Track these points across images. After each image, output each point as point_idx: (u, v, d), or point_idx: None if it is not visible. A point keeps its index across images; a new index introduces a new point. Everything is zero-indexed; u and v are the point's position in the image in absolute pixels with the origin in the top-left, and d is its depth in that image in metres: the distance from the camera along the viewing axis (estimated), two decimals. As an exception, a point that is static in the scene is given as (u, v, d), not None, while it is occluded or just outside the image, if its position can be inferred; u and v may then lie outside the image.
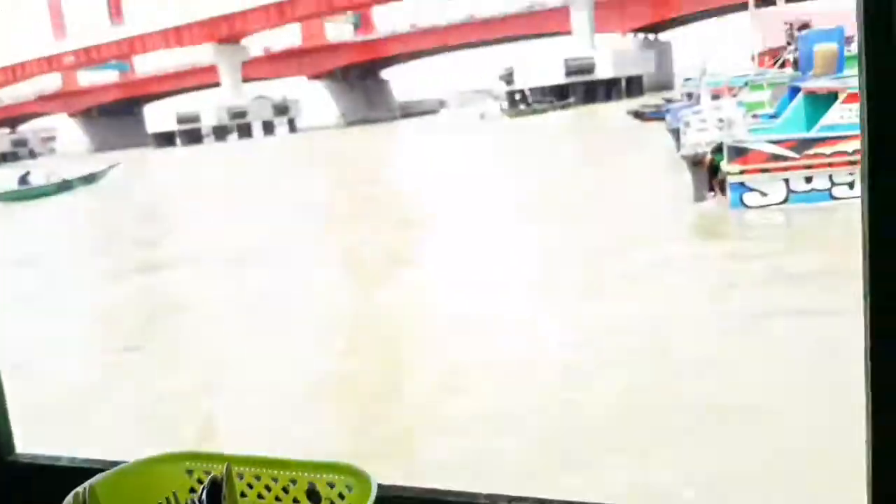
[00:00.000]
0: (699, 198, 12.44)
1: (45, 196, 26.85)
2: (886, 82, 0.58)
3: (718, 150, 12.02)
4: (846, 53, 15.46)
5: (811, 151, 11.36)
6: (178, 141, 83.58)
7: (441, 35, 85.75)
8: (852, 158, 10.97)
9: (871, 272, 0.60)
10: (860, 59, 0.60)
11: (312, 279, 10.86)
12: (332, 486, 0.85)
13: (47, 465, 1.10)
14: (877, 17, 0.57)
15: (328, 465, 0.86)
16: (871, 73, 0.58)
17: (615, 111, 40.55)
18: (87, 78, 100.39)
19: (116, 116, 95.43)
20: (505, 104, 73.17)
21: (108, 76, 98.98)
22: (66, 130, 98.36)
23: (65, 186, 27.89)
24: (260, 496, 0.89)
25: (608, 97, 69.12)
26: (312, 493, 0.86)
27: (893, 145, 0.59)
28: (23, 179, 27.96)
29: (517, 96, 69.14)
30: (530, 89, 68.14)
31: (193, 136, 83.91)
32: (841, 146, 11.09)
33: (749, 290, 8.08)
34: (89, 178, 29.17)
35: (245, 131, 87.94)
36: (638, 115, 33.98)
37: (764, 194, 11.52)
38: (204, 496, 0.84)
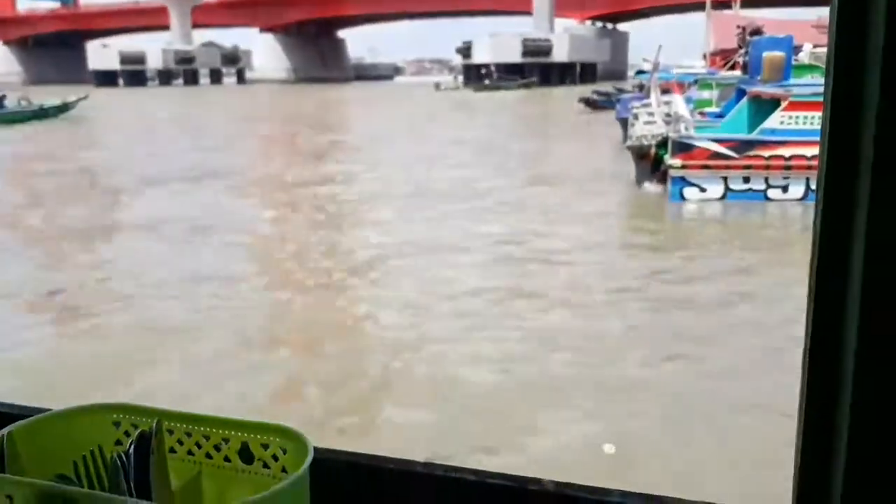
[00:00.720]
0: (640, 184, 12.81)
1: (20, 122, 26.32)
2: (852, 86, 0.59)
3: (663, 144, 12.26)
4: (793, 62, 15.91)
5: (751, 153, 11.69)
6: (120, 81, 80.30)
7: (401, 0, 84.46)
8: (789, 163, 11.34)
9: (818, 276, 0.62)
10: (829, 64, 0.61)
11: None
12: (265, 447, 0.84)
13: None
14: (851, 21, 0.58)
15: (263, 425, 0.84)
16: (839, 79, 0.59)
17: (568, 95, 40.87)
18: (26, 5, 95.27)
19: (55, 49, 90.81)
20: (461, 77, 72.72)
21: (49, 6, 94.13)
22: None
23: (41, 113, 27.98)
24: (190, 452, 0.86)
25: (562, 81, 69.49)
26: (245, 452, 0.84)
27: (851, 150, 0.60)
28: None
29: (482, 70, 68.62)
30: (495, 65, 67.79)
31: (137, 78, 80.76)
32: (779, 151, 11.45)
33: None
34: (62, 108, 29.43)
35: (191, 78, 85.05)
36: (588, 102, 33.68)
37: (703, 190, 11.83)
38: (131, 450, 0.81)
